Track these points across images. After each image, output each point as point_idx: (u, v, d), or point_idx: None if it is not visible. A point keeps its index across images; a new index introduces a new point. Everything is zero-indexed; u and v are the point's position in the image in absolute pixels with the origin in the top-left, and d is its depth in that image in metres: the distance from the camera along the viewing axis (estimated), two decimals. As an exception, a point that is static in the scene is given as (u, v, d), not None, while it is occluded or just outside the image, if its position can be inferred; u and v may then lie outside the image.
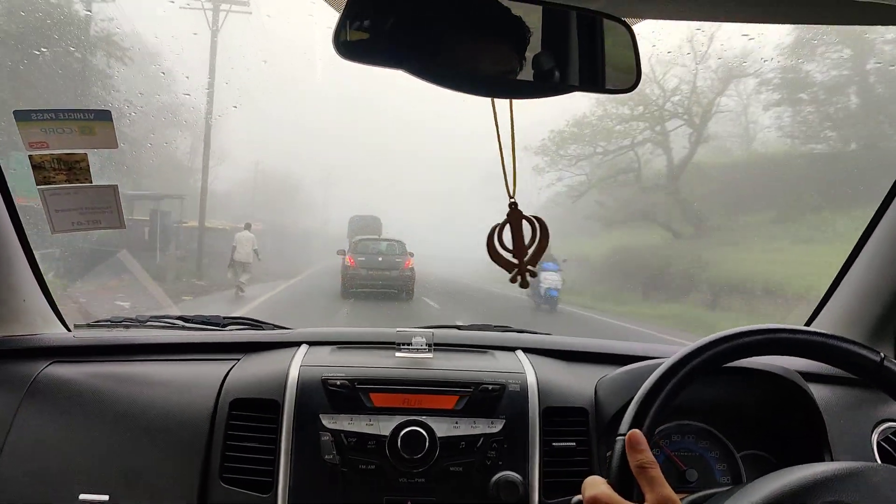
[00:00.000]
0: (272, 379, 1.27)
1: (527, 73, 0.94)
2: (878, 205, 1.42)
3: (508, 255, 0.98)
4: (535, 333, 1.66)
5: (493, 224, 1.00)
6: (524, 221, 0.98)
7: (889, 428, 1.28)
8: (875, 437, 1.27)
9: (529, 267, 0.98)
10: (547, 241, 0.99)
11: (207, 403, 1.25)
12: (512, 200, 0.97)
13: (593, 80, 0.98)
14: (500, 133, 0.96)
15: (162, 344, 1.47)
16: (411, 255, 14.64)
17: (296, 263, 22.26)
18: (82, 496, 1.15)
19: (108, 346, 1.45)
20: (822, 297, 1.59)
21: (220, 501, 1.18)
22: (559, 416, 1.28)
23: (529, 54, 0.94)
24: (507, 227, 1.00)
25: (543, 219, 1.01)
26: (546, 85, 0.96)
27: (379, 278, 13.18)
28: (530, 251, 0.98)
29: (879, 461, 1.24)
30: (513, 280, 0.99)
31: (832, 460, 1.22)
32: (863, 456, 1.24)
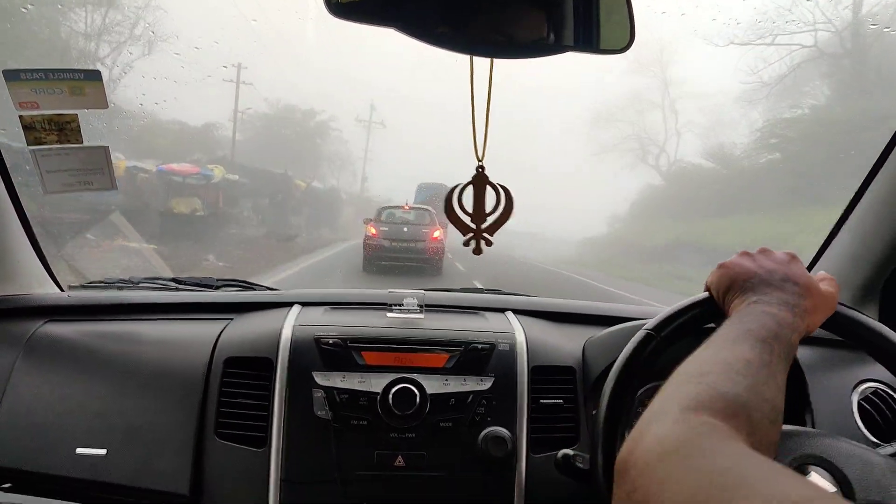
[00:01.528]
0: (266, 338, 1.29)
1: (523, 32, 0.94)
2: (866, 174, 1.43)
3: (467, 219, 0.97)
4: (525, 295, 1.68)
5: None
6: (490, 188, 0.97)
7: (869, 388, 1.31)
8: (855, 397, 1.30)
9: (486, 235, 0.97)
10: (510, 213, 0.98)
11: (202, 361, 1.27)
12: (480, 164, 0.95)
13: (587, 40, 0.98)
14: (474, 93, 0.94)
15: (155, 304, 1.48)
16: (443, 225, 12.87)
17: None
18: (79, 450, 1.18)
19: (103, 306, 1.46)
20: (809, 262, 1.62)
21: (215, 455, 1.20)
22: (547, 374, 1.30)
23: (526, 13, 0.93)
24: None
25: (511, 190, 0.99)
26: (541, 44, 0.96)
27: (403, 250, 11.78)
28: (490, 218, 0.98)
29: (859, 420, 1.27)
30: (466, 244, 0.98)
31: (813, 419, 1.25)
32: (843, 415, 1.27)
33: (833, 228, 1.54)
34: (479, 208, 0.98)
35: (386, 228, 12.02)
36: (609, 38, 0.97)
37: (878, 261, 1.43)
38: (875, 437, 1.24)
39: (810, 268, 1.60)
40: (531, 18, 0.92)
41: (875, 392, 1.30)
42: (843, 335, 0.93)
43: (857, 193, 1.46)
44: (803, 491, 0.42)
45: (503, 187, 0.99)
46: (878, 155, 1.39)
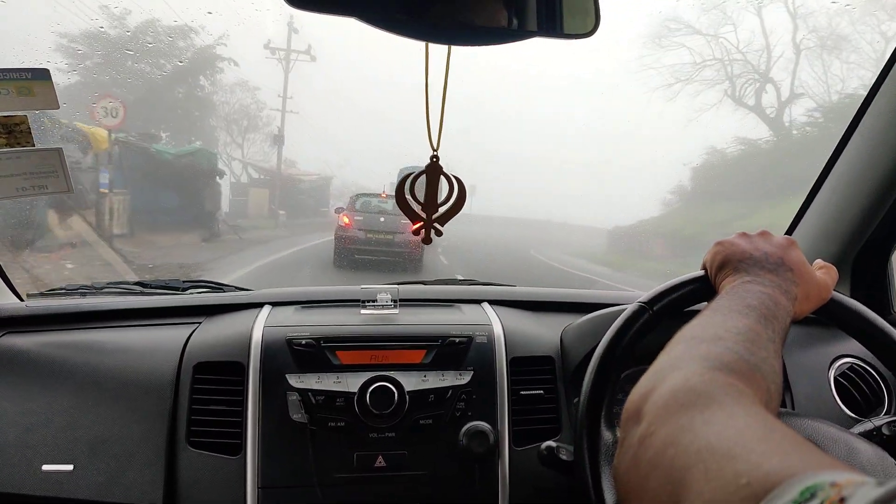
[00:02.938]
0: (236, 341, 1.25)
1: (485, 18, 0.91)
2: (833, 149, 1.43)
3: (418, 207, 0.96)
4: (501, 285, 1.66)
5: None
6: (444, 179, 0.96)
7: (845, 363, 1.32)
8: (832, 373, 1.31)
9: (436, 225, 0.96)
10: (462, 205, 0.97)
11: (170, 368, 1.23)
12: (434, 153, 0.94)
13: (551, 25, 0.96)
14: (428, 81, 0.92)
15: (120, 310, 1.43)
16: None
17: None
18: (45, 467, 1.13)
19: (64, 315, 1.41)
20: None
21: (188, 465, 1.17)
22: (526, 365, 1.29)
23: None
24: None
25: (464, 183, 0.98)
26: (504, 30, 0.94)
27: (379, 243, 10.47)
28: (441, 209, 0.97)
29: (836, 395, 1.28)
30: (415, 233, 0.97)
31: (792, 399, 1.26)
32: (821, 393, 1.28)
33: (803, 203, 1.54)
34: (432, 198, 0.96)
35: (360, 218, 10.76)
36: (573, 22, 0.95)
37: (848, 235, 1.43)
38: (852, 412, 1.25)
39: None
40: (493, 4, 0.90)
41: (851, 367, 1.31)
42: (838, 324, 0.92)
43: (824, 169, 1.46)
44: (811, 465, 0.41)
45: (456, 178, 0.97)
46: (845, 129, 1.39)
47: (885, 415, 1.26)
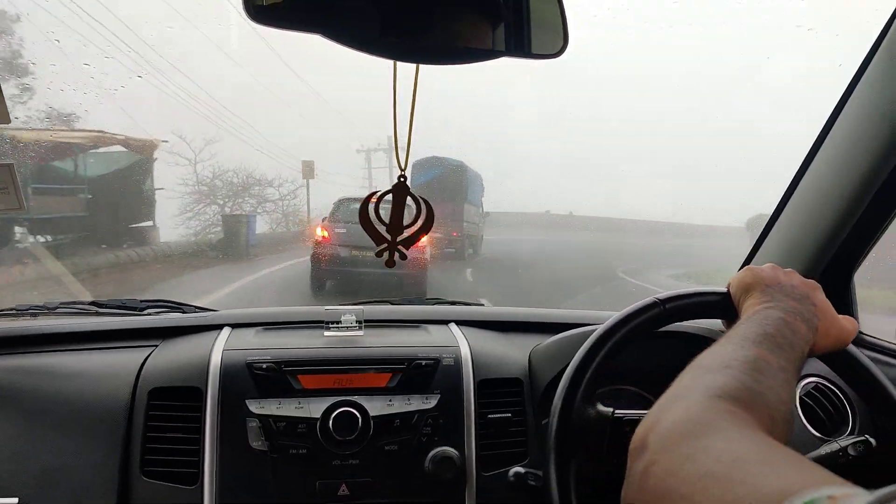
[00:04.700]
0: (193, 365, 1.21)
1: (453, 38, 0.90)
2: (800, 163, 1.45)
3: (382, 229, 0.94)
4: (469, 305, 1.64)
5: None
6: (411, 200, 0.94)
7: (810, 383, 1.32)
8: (797, 393, 1.31)
9: (400, 248, 0.94)
10: (429, 229, 0.96)
11: (124, 394, 1.18)
12: (401, 174, 0.92)
13: (519, 45, 0.95)
14: (396, 100, 0.91)
15: (73, 333, 1.37)
16: None
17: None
18: None
19: (13, 338, 1.34)
20: (746, 255, 1.63)
21: (142, 496, 1.12)
22: (494, 387, 1.27)
23: (457, 18, 0.90)
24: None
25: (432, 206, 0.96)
26: (476, 50, 0.93)
27: (367, 263, 8.21)
28: (406, 231, 0.95)
29: (801, 415, 1.28)
30: (378, 255, 0.95)
31: None
32: None
33: (768, 221, 1.55)
34: (397, 219, 0.94)
35: (343, 231, 8.63)
36: (541, 43, 0.95)
37: (813, 253, 1.45)
38: (818, 431, 1.26)
39: (748, 262, 1.61)
40: (461, 24, 0.89)
41: (815, 387, 1.32)
42: (845, 374, 0.96)
43: (790, 186, 1.48)
44: (809, 481, 0.42)
45: (425, 201, 0.95)
46: (810, 147, 1.41)
47: (849, 434, 1.27)
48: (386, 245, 0.95)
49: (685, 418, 0.57)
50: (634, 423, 0.95)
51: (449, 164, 15.68)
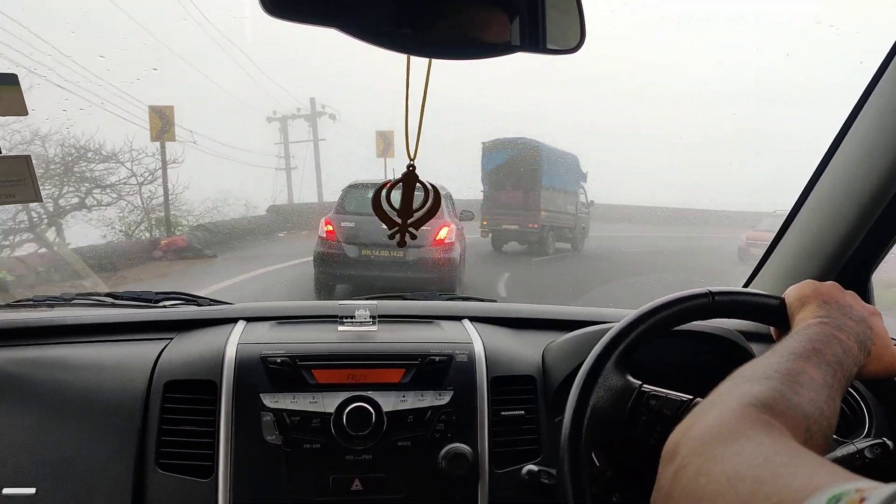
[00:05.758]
0: (208, 358, 1.21)
1: (472, 32, 0.90)
2: (814, 170, 1.44)
3: (394, 214, 0.99)
4: (482, 301, 1.64)
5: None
6: (420, 185, 0.99)
7: None
8: None
9: (411, 229, 1.00)
10: (436, 210, 1.01)
11: (140, 386, 1.19)
12: (410, 163, 0.96)
13: (535, 40, 0.95)
14: (409, 92, 0.93)
15: (89, 325, 1.38)
16: (462, 216, 8.35)
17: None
18: (6, 490, 1.08)
19: (30, 329, 1.35)
20: (760, 257, 1.62)
21: (157, 488, 1.12)
22: (507, 384, 1.27)
23: (474, 13, 0.90)
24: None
25: (439, 189, 1.02)
26: (490, 44, 0.93)
27: (381, 265, 6.94)
28: (417, 214, 1.00)
29: None
30: (391, 237, 1.00)
31: None
32: None
33: (784, 222, 1.54)
34: (407, 205, 0.99)
35: (351, 225, 7.25)
36: (558, 38, 0.95)
37: (829, 255, 1.43)
38: (835, 433, 1.24)
39: (763, 262, 1.60)
40: (479, 18, 0.89)
41: None
42: (888, 403, 0.98)
43: (804, 190, 1.47)
44: (838, 479, 0.43)
45: (432, 185, 1.00)
46: (825, 151, 1.40)
47: (865, 437, 1.25)
48: (397, 227, 0.98)
49: (718, 424, 0.57)
50: (658, 398, 0.95)
51: (520, 145, 13.67)
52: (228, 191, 16.37)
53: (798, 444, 0.55)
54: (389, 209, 0.99)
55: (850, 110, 1.33)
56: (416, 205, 0.99)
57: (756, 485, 0.47)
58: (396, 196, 0.98)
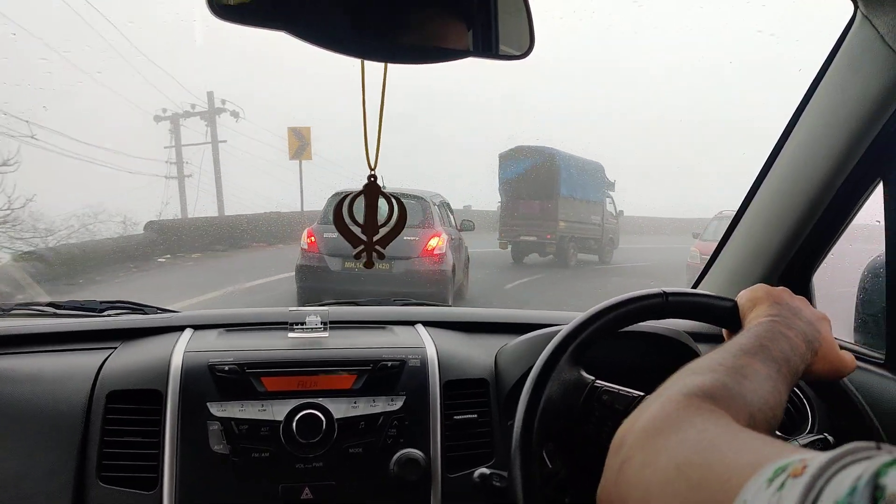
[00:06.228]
0: (153, 367, 1.18)
1: (420, 37, 0.90)
2: (757, 173, 1.48)
3: (357, 230, 0.94)
4: (436, 305, 1.64)
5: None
6: (383, 199, 0.94)
7: None
8: None
9: (377, 247, 0.95)
10: (402, 227, 0.97)
11: (81, 397, 1.15)
12: (371, 173, 0.92)
13: (486, 45, 0.95)
14: (365, 98, 0.91)
15: (28, 335, 1.33)
16: (463, 225, 8.06)
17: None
18: None
19: None
20: (706, 262, 1.66)
21: (98, 502, 1.09)
22: (460, 388, 1.27)
23: (424, 17, 0.90)
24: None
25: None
26: (444, 50, 0.93)
27: (365, 279, 6.61)
28: (382, 230, 0.95)
29: None
30: (357, 256, 0.95)
31: None
32: None
33: (730, 224, 1.58)
34: (371, 219, 0.94)
35: (333, 235, 6.58)
36: (508, 44, 0.95)
37: (774, 255, 1.48)
38: (777, 430, 1.28)
39: (710, 263, 1.64)
40: (429, 23, 0.89)
41: None
42: (835, 404, 1.00)
43: (749, 192, 1.51)
44: (783, 452, 0.45)
45: (397, 199, 0.96)
46: (769, 153, 1.44)
47: (808, 433, 1.29)
48: (363, 246, 0.94)
49: (661, 415, 0.58)
50: (610, 393, 0.96)
51: (537, 154, 13.20)
52: (101, 204, 12.95)
53: (735, 423, 0.56)
54: (353, 225, 0.95)
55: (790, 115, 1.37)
56: (382, 220, 0.95)
57: (705, 469, 0.48)
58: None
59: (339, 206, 0.94)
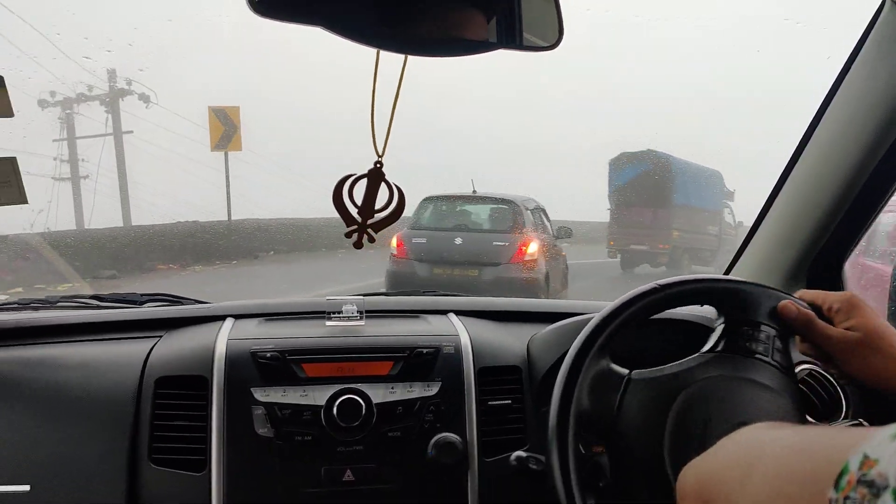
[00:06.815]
0: (198, 354, 1.23)
1: (451, 30, 0.91)
2: (788, 159, 1.48)
3: (354, 211, 0.96)
4: (466, 296, 1.66)
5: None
6: (385, 186, 0.97)
7: (804, 370, 1.34)
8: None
9: (370, 231, 0.97)
10: (399, 215, 0.99)
11: (131, 383, 1.20)
12: (378, 160, 0.95)
13: (511, 37, 0.97)
14: (375, 87, 0.93)
15: (76, 324, 1.39)
16: (559, 233, 7.77)
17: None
18: (1, 488, 1.09)
19: (16, 329, 1.36)
20: (738, 247, 1.66)
21: (151, 483, 1.14)
22: (493, 375, 1.29)
23: (453, 11, 0.91)
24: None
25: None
26: (469, 42, 0.94)
27: (455, 285, 6.01)
28: (378, 215, 0.97)
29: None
30: (348, 235, 0.97)
31: None
32: None
33: (760, 211, 1.58)
34: (369, 203, 0.96)
35: (422, 241, 6.73)
36: (535, 35, 0.97)
37: (804, 243, 1.47)
38: (812, 417, 1.28)
39: (741, 250, 1.64)
40: (455, 16, 0.91)
41: (810, 374, 1.34)
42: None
43: (779, 180, 1.51)
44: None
45: (397, 187, 0.98)
46: (798, 141, 1.44)
47: (843, 419, 1.29)
48: (356, 227, 0.97)
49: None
50: (648, 381, 0.97)
51: (650, 160, 12.62)
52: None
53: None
54: (351, 205, 0.97)
55: (820, 102, 1.37)
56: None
57: (799, 453, 0.47)
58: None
59: (341, 184, 0.96)
